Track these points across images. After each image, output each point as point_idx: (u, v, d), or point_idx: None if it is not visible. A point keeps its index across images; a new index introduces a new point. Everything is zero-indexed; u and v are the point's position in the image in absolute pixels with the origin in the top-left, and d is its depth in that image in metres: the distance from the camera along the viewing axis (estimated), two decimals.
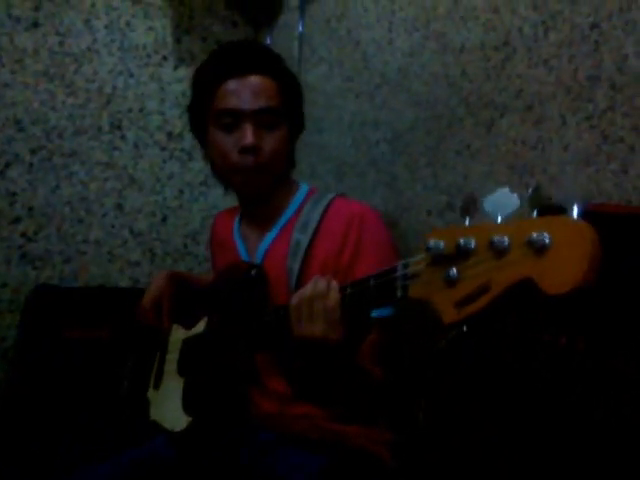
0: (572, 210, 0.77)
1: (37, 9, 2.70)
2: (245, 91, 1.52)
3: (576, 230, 0.73)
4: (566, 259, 0.72)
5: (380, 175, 2.25)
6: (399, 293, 0.99)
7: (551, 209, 0.79)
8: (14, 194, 2.66)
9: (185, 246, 3.03)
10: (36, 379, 2.36)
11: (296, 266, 1.50)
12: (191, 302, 1.79)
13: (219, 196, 3.01)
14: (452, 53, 1.91)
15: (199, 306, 1.72)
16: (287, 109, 1.58)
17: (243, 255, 1.67)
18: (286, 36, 2.77)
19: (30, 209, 2.69)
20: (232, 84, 1.53)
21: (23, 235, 2.68)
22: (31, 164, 2.70)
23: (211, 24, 3.03)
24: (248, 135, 1.50)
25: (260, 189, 1.57)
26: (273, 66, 1.58)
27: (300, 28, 2.72)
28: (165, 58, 2.97)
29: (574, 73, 1.53)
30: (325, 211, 1.55)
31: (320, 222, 1.53)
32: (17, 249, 2.66)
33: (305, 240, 1.51)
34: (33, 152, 2.70)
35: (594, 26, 1.48)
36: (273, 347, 1.49)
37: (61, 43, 2.75)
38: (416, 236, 2.02)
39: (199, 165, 3.00)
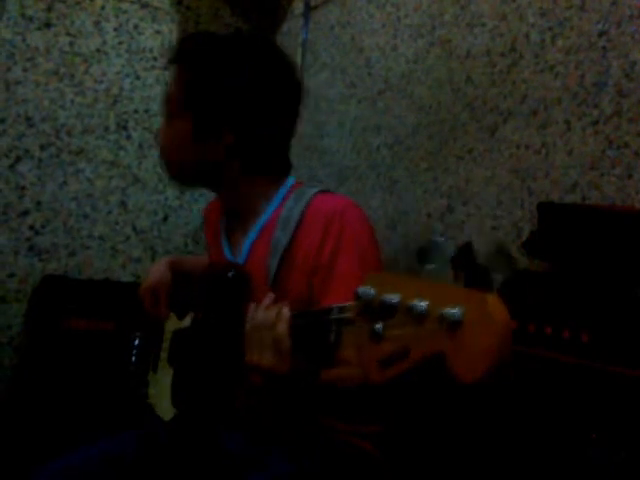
0: (493, 278, 0.71)
1: (49, 10, 2.65)
2: None
3: (488, 312, 0.67)
4: (475, 344, 0.66)
5: (380, 179, 2.21)
6: (333, 338, 0.93)
7: (477, 271, 0.73)
8: (23, 188, 2.62)
9: (185, 245, 2.99)
10: (40, 366, 2.35)
11: (274, 264, 1.40)
12: (185, 292, 1.74)
13: None
14: (457, 59, 1.86)
15: (189, 298, 1.67)
16: (190, 101, 1.45)
17: (227, 253, 1.59)
18: (290, 43, 2.72)
19: (38, 203, 2.65)
20: None
21: (31, 228, 2.64)
22: (40, 160, 2.65)
23: (216, 30, 2.96)
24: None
25: (168, 176, 1.55)
26: (183, 55, 1.48)
27: (304, 35, 2.67)
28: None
29: (580, 79, 1.49)
30: (306, 208, 1.42)
31: (300, 220, 1.41)
32: (25, 241, 2.63)
33: (284, 238, 1.41)
34: (42, 148, 2.66)
35: (602, 33, 1.44)
36: None
37: (72, 43, 2.70)
38: (415, 238, 1.98)
39: None
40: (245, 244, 1.52)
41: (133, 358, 1.79)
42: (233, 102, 1.43)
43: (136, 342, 1.80)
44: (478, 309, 0.68)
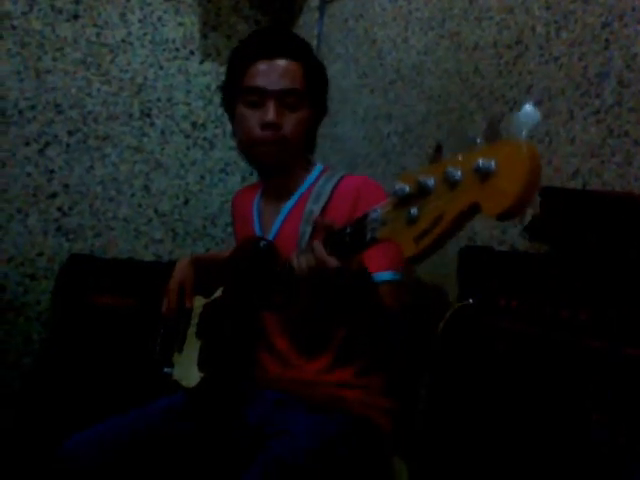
0: (521, 134, 0.71)
1: (77, 2, 2.66)
2: (272, 72, 1.53)
3: (517, 150, 0.68)
4: (506, 180, 0.68)
5: (390, 166, 2.21)
6: (369, 236, 0.96)
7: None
8: (52, 171, 2.64)
9: (204, 227, 3.00)
10: (67, 339, 2.38)
11: (308, 230, 1.50)
12: (211, 275, 1.77)
13: (237, 183, 2.99)
14: (466, 51, 1.85)
15: (218, 277, 1.70)
16: (311, 93, 1.58)
17: (257, 228, 1.68)
18: (306, 35, 2.70)
19: (66, 186, 2.67)
20: (261, 65, 1.54)
21: (59, 209, 2.66)
22: (68, 145, 2.67)
23: (236, 22, 2.98)
24: (271, 112, 1.52)
25: (277, 162, 1.58)
26: (301, 52, 1.58)
27: (319, 27, 2.67)
28: (192, 52, 2.92)
29: (584, 70, 1.48)
30: (336, 186, 1.55)
31: (331, 195, 1.53)
32: (53, 222, 2.65)
33: (317, 209, 1.51)
34: (70, 134, 2.67)
35: (605, 25, 1.43)
36: (282, 302, 1.47)
37: (98, 34, 2.71)
38: None
39: (220, 153, 2.99)
40: (278, 219, 1.62)
41: (158, 346, 1.81)
42: (327, 90, 1.65)
43: (161, 331, 1.82)
44: (507, 152, 0.69)
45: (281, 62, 1.54)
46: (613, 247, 1.15)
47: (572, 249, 1.21)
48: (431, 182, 0.79)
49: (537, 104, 1.60)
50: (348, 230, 1.05)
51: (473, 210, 0.73)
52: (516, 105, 1.67)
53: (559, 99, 1.54)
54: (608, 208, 1.21)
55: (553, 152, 1.55)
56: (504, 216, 0.69)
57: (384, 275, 1.43)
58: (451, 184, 0.75)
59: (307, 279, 1.16)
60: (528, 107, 0.71)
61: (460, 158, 0.76)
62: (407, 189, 0.83)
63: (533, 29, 1.62)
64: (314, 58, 1.63)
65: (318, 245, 1.12)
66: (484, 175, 0.71)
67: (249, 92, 1.55)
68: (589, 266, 1.14)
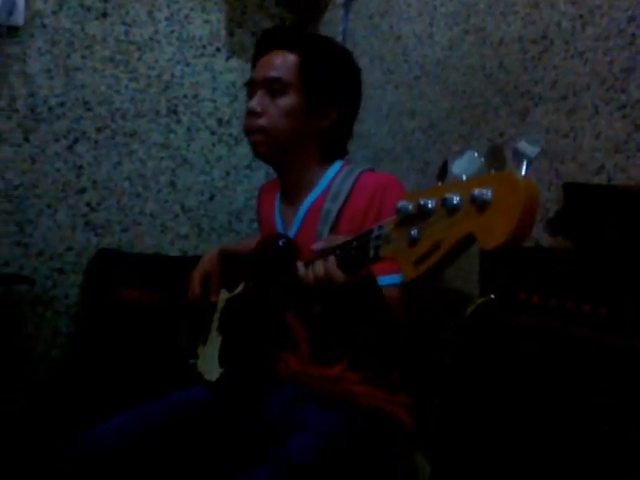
0: (521, 167, 0.70)
1: (106, 0, 2.69)
2: (262, 64, 1.57)
3: (514, 185, 0.67)
4: (501, 214, 0.68)
5: (414, 161, 2.20)
6: (372, 253, 0.95)
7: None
8: (81, 167, 2.68)
9: (229, 223, 3.02)
10: (94, 332, 2.42)
11: (325, 231, 1.48)
12: (236, 269, 1.77)
13: (261, 179, 3.00)
14: (491, 46, 1.84)
15: (241, 272, 1.70)
16: (306, 81, 1.54)
17: (280, 228, 1.66)
18: (331, 31, 2.71)
19: (94, 182, 2.71)
20: (260, 60, 1.58)
21: (87, 205, 2.70)
22: (96, 141, 2.71)
23: (261, 19, 2.99)
24: (252, 100, 1.55)
25: (264, 152, 1.57)
26: (297, 43, 1.57)
27: (344, 24, 2.66)
28: (218, 50, 2.94)
29: (609, 65, 1.47)
30: (354, 183, 1.52)
31: (349, 193, 1.50)
32: (81, 217, 2.69)
33: (335, 209, 1.49)
34: (99, 130, 2.71)
35: (631, 20, 1.41)
36: (300, 302, 1.47)
37: (126, 32, 2.74)
38: None
39: (245, 150, 2.99)
40: (297, 217, 1.59)
41: (183, 337, 1.82)
42: (340, 84, 1.58)
43: (187, 323, 1.83)
44: (505, 185, 0.69)
45: (272, 54, 1.56)
46: (637, 242, 1.14)
47: (595, 244, 1.20)
48: (431, 205, 0.78)
49: (562, 99, 1.59)
50: (354, 244, 1.04)
51: (470, 240, 0.73)
52: (542, 100, 1.66)
53: (584, 94, 1.53)
54: (632, 203, 1.20)
55: (578, 147, 1.54)
56: (497, 250, 0.68)
57: (389, 278, 1.40)
58: (449, 210, 0.75)
59: (314, 289, 1.15)
60: (526, 141, 0.70)
61: (461, 183, 0.76)
62: (410, 208, 0.82)
63: (558, 24, 1.60)
64: (318, 50, 1.58)
65: (330, 261, 1.10)
66: (480, 205, 0.70)
67: (247, 86, 1.62)
68: (612, 261, 1.13)
